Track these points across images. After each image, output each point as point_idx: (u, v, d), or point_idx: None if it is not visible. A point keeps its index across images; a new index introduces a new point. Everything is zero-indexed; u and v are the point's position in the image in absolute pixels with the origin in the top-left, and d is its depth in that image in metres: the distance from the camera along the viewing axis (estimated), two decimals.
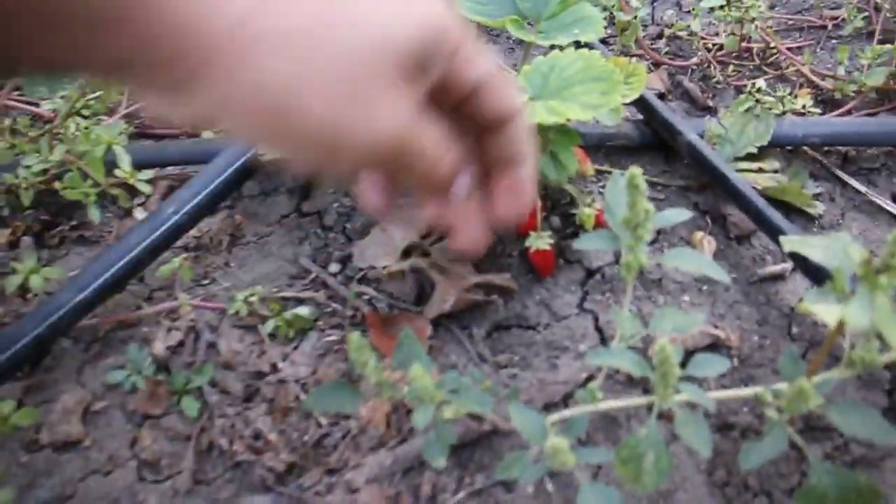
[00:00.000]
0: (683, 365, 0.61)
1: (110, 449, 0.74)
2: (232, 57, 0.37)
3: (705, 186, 0.91)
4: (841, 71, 1.06)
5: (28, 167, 0.87)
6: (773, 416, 0.59)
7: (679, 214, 0.68)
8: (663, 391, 0.58)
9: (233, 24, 0.36)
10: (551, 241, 0.78)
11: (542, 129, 0.82)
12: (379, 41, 0.40)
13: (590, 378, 0.73)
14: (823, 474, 0.58)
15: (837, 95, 1.04)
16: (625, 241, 0.65)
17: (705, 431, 0.57)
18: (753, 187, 0.85)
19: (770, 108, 0.94)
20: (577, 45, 0.98)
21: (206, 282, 0.88)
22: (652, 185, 0.92)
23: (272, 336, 0.81)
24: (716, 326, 0.77)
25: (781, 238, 0.65)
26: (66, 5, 0.33)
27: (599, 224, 0.79)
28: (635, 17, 1.07)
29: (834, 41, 1.17)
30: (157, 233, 0.82)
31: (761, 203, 0.81)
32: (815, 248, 0.61)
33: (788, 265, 0.83)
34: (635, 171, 0.61)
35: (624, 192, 0.63)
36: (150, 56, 0.36)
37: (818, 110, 1.00)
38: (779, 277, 0.83)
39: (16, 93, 1.14)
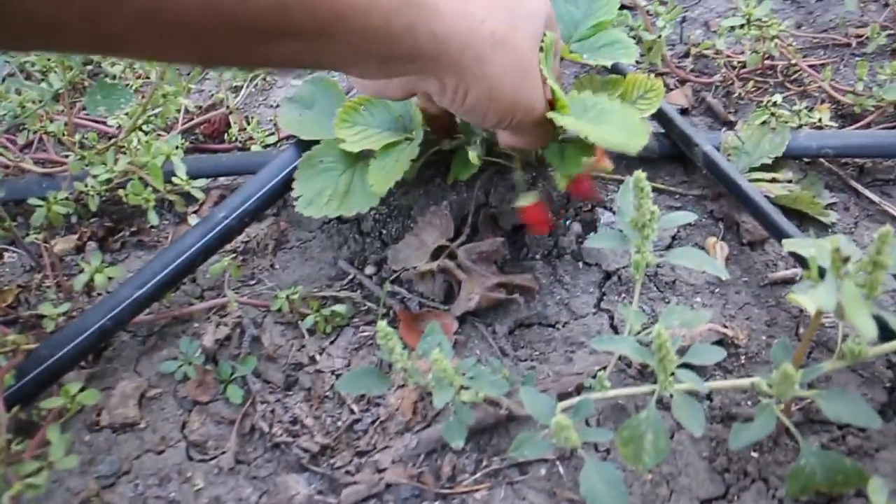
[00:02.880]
0: (684, 354, 0.66)
1: (163, 431, 0.82)
2: (485, 55, 0.63)
3: (721, 195, 0.95)
4: (860, 87, 1.09)
5: (95, 176, 0.95)
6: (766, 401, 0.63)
7: (684, 217, 0.73)
8: (663, 376, 0.63)
9: (487, 34, 0.63)
10: (537, 196, 0.85)
11: (564, 140, 0.88)
12: (533, 39, 0.69)
13: (602, 370, 0.78)
14: (812, 456, 0.62)
15: (857, 110, 1.08)
16: (633, 240, 0.71)
17: (699, 413, 0.62)
18: (766, 196, 0.89)
19: (786, 122, 0.98)
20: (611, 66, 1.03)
21: (252, 282, 0.96)
22: (670, 193, 0.97)
23: (311, 331, 0.88)
24: (725, 326, 0.82)
25: (784, 240, 0.70)
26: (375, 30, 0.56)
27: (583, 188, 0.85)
28: (660, 37, 1.12)
29: (858, 58, 1.21)
30: (209, 235, 0.90)
31: (772, 210, 0.85)
32: (810, 247, 0.65)
33: (799, 270, 0.87)
34: (640, 174, 0.67)
35: (631, 195, 0.69)
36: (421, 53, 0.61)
37: (835, 124, 1.04)
38: (789, 282, 0.87)
39: (83, 112, 1.24)
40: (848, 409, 0.61)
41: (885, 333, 0.70)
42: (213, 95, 1.28)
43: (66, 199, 0.99)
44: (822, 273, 0.58)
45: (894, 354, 0.77)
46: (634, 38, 1.18)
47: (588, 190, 0.87)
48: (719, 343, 0.80)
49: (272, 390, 0.83)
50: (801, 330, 0.82)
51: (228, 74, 1.25)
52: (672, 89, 1.17)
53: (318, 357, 0.86)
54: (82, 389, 0.78)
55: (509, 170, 0.95)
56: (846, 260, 0.54)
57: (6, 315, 0.95)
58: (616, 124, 0.81)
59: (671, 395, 0.64)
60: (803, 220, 0.93)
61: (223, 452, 0.79)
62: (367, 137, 0.91)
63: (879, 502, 0.54)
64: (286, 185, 0.97)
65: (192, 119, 1.22)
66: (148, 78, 1.26)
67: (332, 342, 0.87)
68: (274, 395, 0.83)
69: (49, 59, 1.17)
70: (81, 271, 0.90)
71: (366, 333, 0.87)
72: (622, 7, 1.28)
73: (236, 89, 1.30)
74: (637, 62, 1.22)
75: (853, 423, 0.60)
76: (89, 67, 1.35)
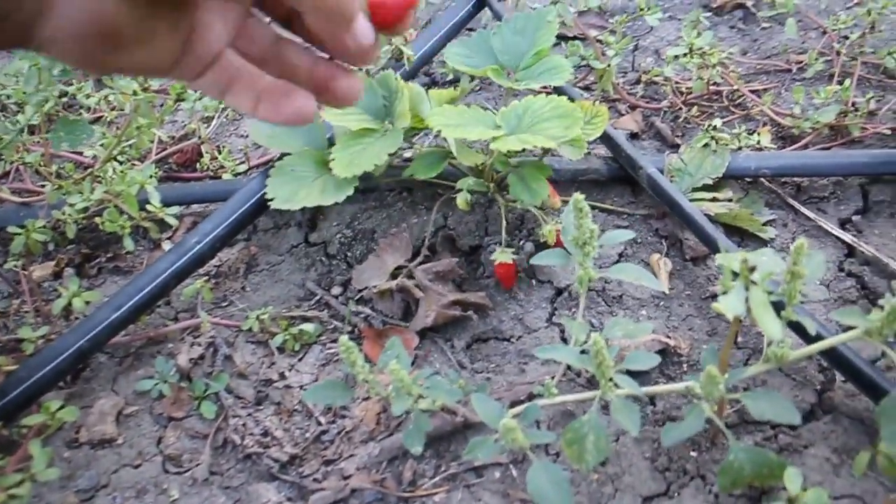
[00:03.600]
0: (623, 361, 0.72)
1: (140, 446, 0.86)
2: None
3: (665, 214, 1.01)
4: (798, 110, 1.16)
5: (72, 205, 0.99)
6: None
7: (623, 234, 0.79)
8: (603, 381, 0.68)
9: None
10: (514, 256, 0.91)
11: (518, 164, 0.94)
12: None
13: (552, 379, 0.83)
14: (740, 452, 0.67)
15: (795, 132, 1.15)
16: (576, 257, 0.76)
17: (636, 415, 0.67)
18: (707, 214, 0.95)
19: (727, 144, 1.05)
20: (556, 90, 1.10)
21: (224, 304, 1.00)
22: (618, 213, 1.03)
23: (280, 349, 0.93)
24: (668, 336, 0.87)
25: (716, 255, 0.76)
26: None
27: (560, 243, 0.90)
28: (609, 66, 1.18)
29: (798, 83, 1.28)
30: (182, 260, 0.94)
31: (710, 228, 0.91)
32: (738, 261, 0.71)
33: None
34: (578, 196, 0.72)
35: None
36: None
37: (774, 146, 1.11)
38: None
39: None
40: (770, 407, 0.66)
41: (810, 338, 0.76)
42: (185, 126, 1.33)
43: (44, 227, 1.03)
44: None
45: (824, 358, 0.83)
46: (586, 67, 1.24)
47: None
48: (662, 352, 0.86)
49: (244, 405, 0.88)
50: (740, 339, 0.88)
51: (200, 106, 1.29)
52: (623, 115, 1.24)
53: (287, 373, 0.90)
54: (61, 407, 0.82)
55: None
56: (752, 269, 0.60)
57: None
58: (548, 121, 0.88)
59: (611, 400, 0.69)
60: (744, 237, 1.00)
61: (197, 465, 0.83)
62: (347, 115, 0.96)
63: (794, 489, 0.60)
64: (256, 211, 1.02)
65: (166, 149, 1.27)
66: (122, 110, 1.31)
67: (300, 359, 0.92)
68: (245, 409, 0.87)
69: (25, 93, 1.21)
70: (59, 296, 0.94)
71: (333, 350, 0.92)
72: (574, 38, 1.35)
73: (208, 120, 1.35)
74: (591, 89, 1.29)
75: (775, 420, 0.66)
76: (64, 100, 1.39)
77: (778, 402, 0.67)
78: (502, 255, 0.90)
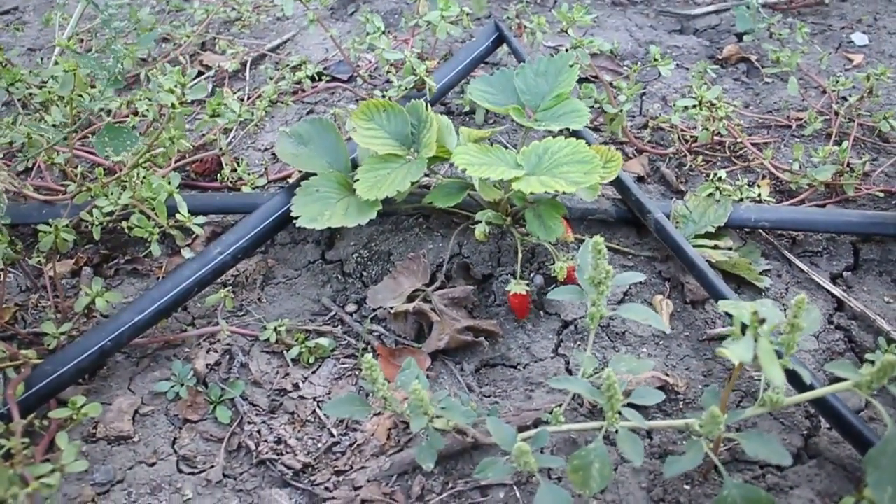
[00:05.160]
0: (629, 395, 0.77)
1: (155, 445, 0.89)
2: None
3: (669, 258, 1.07)
4: (796, 166, 1.22)
5: (99, 208, 1.03)
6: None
7: (634, 276, 0.84)
8: (610, 413, 0.73)
9: None
10: (528, 288, 0.95)
11: (535, 201, 0.99)
12: None
13: (558, 407, 0.87)
14: (733, 488, 0.72)
15: (793, 187, 1.21)
16: (590, 295, 0.81)
17: (639, 446, 0.72)
18: (708, 261, 1.00)
19: (729, 195, 1.10)
20: (571, 131, 1.15)
21: (240, 313, 1.04)
22: (624, 254, 1.08)
23: (295, 361, 0.97)
24: (667, 374, 0.92)
25: (720, 301, 0.81)
26: None
27: (572, 278, 0.94)
28: (621, 111, 1.24)
29: (797, 139, 1.34)
30: (205, 268, 0.98)
31: (712, 274, 0.96)
32: (741, 309, 0.76)
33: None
34: (598, 238, 0.77)
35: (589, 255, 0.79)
36: None
37: (772, 199, 1.16)
38: (725, 338, 0.97)
39: (78, 143, 1.31)
40: (763, 448, 0.71)
41: (802, 386, 0.81)
42: (203, 135, 1.36)
43: (68, 226, 1.06)
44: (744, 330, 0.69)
45: (811, 406, 0.88)
46: (599, 109, 1.30)
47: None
48: (661, 389, 0.90)
49: (258, 412, 0.92)
50: None
51: (222, 120, 1.33)
52: (630, 158, 1.29)
53: (301, 384, 0.94)
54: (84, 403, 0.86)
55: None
56: (762, 321, 0.65)
57: (4, 331, 1.02)
58: (567, 165, 0.93)
59: (616, 431, 0.74)
60: (741, 284, 1.05)
61: (211, 467, 0.87)
62: (376, 138, 1.02)
63: None
64: (277, 226, 1.06)
65: (184, 157, 1.30)
66: (144, 116, 1.34)
67: (314, 372, 0.96)
68: (260, 416, 0.91)
69: (50, 93, 1.24)
70: (77, 293, 0.97)
71: (346, 365, 0.96)
72: (587, 80, 1.40)
73: (226, 131, 1.38)
74: (601, 132, 1.34)
75: (767, 460, 0.70)
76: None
77: (770, 443, 0.72)
78: (517, 287, 0.95)
